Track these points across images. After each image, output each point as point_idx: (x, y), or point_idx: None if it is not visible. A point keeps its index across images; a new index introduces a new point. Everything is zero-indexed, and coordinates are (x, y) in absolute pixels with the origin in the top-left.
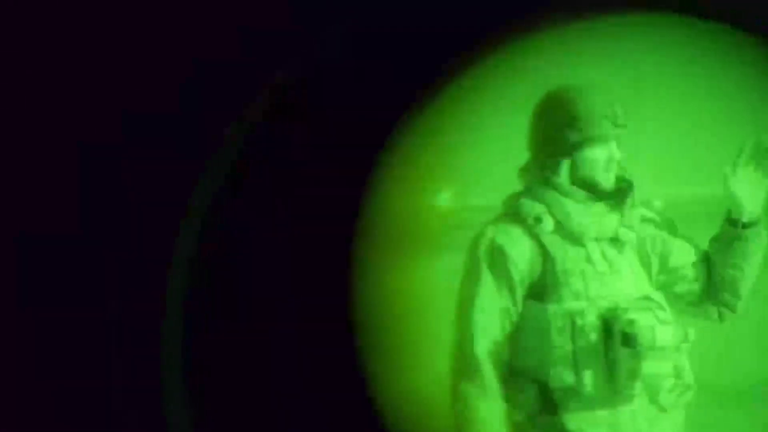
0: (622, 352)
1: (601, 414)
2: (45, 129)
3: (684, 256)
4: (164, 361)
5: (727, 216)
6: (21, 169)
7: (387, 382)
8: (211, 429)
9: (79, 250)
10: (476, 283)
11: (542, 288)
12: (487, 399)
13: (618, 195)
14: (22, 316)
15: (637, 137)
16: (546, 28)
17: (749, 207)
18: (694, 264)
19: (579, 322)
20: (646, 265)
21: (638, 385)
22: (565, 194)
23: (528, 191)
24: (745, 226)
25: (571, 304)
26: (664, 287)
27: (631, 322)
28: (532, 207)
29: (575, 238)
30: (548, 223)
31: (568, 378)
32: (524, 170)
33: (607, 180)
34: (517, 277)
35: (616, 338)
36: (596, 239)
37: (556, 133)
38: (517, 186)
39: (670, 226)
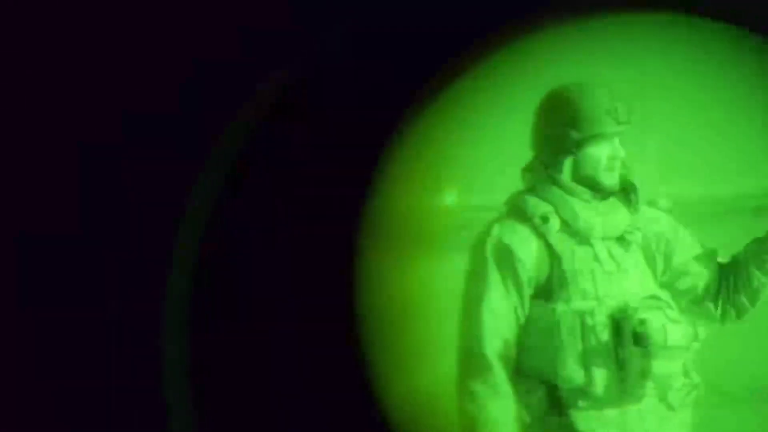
0: (634, 352)
1: (610, 413)
2: (45, 129)
3: (688, 254)
4: (164, 361)
5: None
6: (21, 169)
7: (390, 382)
8: (212, 429)
9: (79, 250)
10: (483, 282)
11: (549, 287)
12: (498, 398)
13: (623, 194)
14: (22, 316)
15: (643, 136)
16: (546, 28)
17: None
18: (697, 262)
19: (589, 321)
20: (651, 264)
21: (649, 385)
22: (571, 193)
23: (532, 190)
24: None
25: (580, 304)
26: (668, 285)
27: (643, 321)
28: (537, 206)
29: (582, 238)
30: (555, 222)
31: (578, 378)
32: (527, 169)
33: (610, 178)
34: (524, 276)
35: (627, 338)
36: (603, 238)
37: (559, 131)
38: (519, 185)
39: (674, 225)
